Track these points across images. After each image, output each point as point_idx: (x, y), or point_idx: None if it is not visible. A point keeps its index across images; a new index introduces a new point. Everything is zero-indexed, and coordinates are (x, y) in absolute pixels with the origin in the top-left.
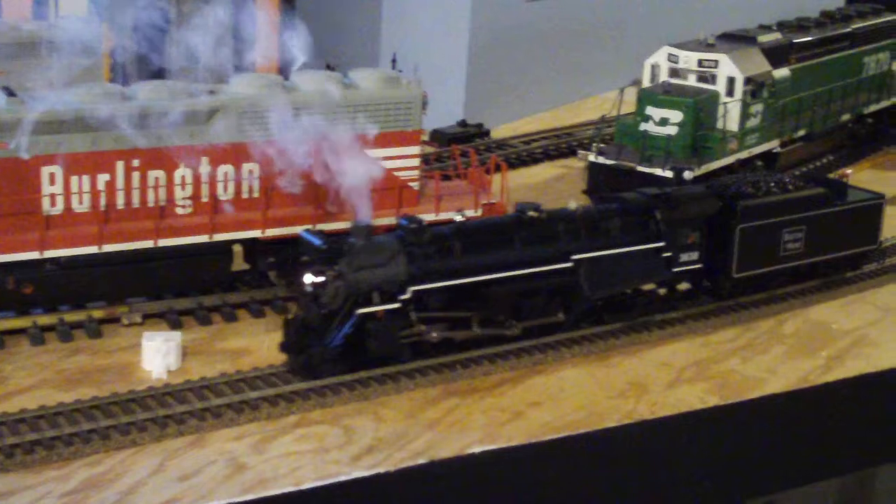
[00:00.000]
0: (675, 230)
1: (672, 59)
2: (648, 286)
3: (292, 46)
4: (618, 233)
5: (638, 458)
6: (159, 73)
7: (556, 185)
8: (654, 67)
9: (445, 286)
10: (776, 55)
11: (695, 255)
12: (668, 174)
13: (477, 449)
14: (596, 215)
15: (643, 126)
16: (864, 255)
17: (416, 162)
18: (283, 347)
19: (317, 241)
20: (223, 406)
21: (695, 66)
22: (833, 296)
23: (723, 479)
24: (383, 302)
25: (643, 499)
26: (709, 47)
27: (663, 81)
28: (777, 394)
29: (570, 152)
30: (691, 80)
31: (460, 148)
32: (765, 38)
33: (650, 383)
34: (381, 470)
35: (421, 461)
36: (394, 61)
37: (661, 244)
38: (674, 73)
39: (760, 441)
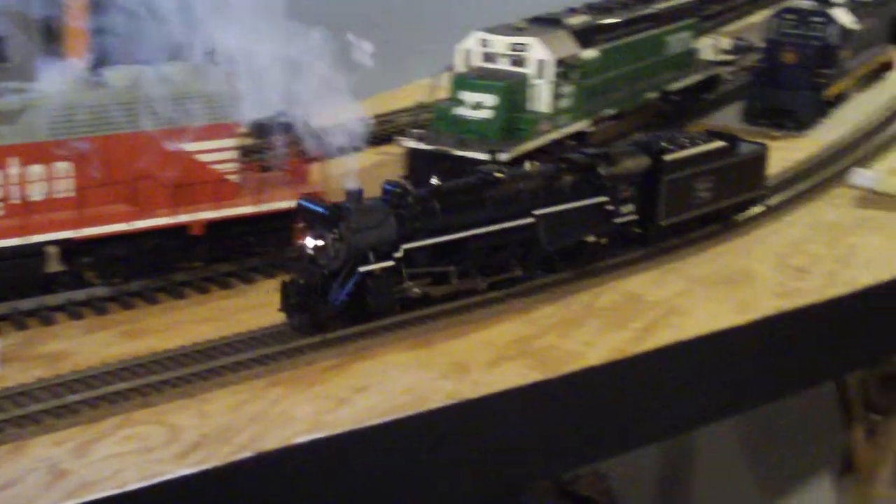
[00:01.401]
0: (615, 185)
1: (484, 43)
2: (593, 237)
3: (104, 42)
4: (568, 189)
5: (463, 437)
6: None
7: (376, 172)
8: (467, 52)
9: (431, 244)
10: (584, 37)
11: (631, 207)
12: (484, 157)
13: (303, 438)
14: (550, 174)
15: (458, 111)
16: (754, 199)
17: (233, 154)
18: (284, 308)
19: (319, 208)
20: (42, 412)
21: (506, 50)
22: (645, 268)
23: (548, 450)
24: (378, 260)
25: (471, 476)
26: (519, 31)
27: (476, 66)
28: (595, 366)
29: (389, 139)
30: (503, 64)
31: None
32: (572, 21)
33: (473, 363)
34: (208, 466)
35: (247, 454)
36: (210, 53)
37: (605, 198)
38: (486, 57)
39: (582, 411)
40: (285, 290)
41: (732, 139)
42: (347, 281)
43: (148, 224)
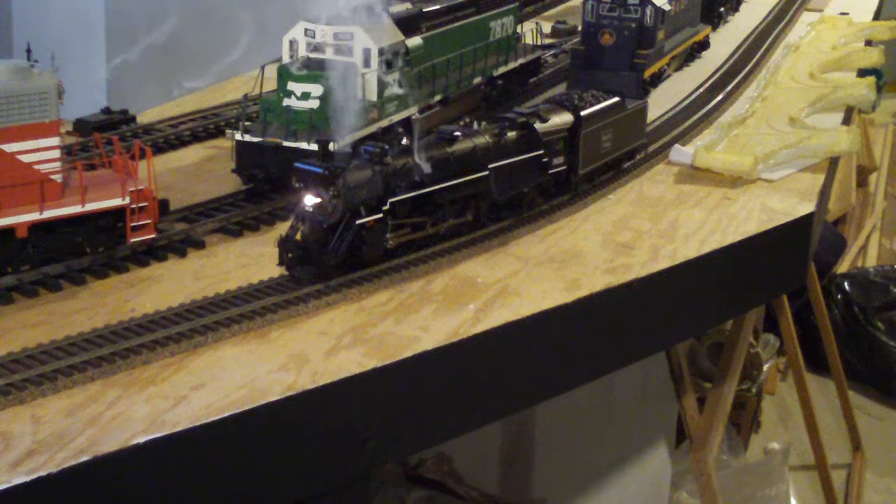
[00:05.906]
0: (549, 140)
1: (309, 33)
2: (530, 187)
3: None
4: (513, 144)
5: (305, 428)
6: None
7: (206, 167)
8: (293, 43)
9: (410, 197)
10: (408, 25)
11: (562, 159)
12: (314, 147)
13: (141, 439)
14: (496, 131)
15: (286, 102)
16: (638, 147)
17: (56, 154)
18: (283, 262)
19: (316, 169)
20: None
21: (331, 40)
22: (477, 251)
23: (390, 436)
24: (369, 214)
25: (316, 466)
26: (343, 20)
27: (302, 56)
28: (431, 349)
29: (219, 132)
30: (329, 54)
31: (104, 136)
32: (396, 9)
33: (310, 354)
34: (43, 473)
35: (84, 458)
36: (28, 51)
37: (541, 152)
38: (312, 47)
39: (422, 395)
40: (282, 246)
41: (621, 94)
42: (345, 234)
43: None
